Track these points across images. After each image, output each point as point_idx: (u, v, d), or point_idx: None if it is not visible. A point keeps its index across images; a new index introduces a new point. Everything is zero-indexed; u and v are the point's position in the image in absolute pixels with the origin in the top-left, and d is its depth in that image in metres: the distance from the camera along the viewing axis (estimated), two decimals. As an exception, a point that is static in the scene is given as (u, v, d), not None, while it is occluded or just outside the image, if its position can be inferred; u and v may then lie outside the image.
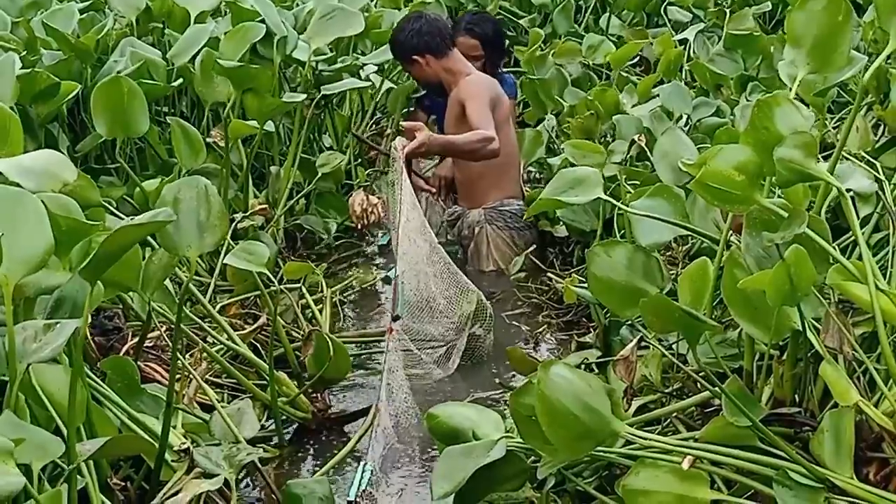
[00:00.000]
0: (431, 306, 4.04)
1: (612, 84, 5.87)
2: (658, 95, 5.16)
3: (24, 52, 4.51)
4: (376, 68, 5.73)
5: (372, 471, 3.20)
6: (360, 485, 3.11)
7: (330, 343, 3.54)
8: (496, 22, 5.91)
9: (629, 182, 4.01)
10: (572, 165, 4.28)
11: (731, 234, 2.85)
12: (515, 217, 5.05)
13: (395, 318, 3.73)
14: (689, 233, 3.13)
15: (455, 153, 4.93)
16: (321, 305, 4.32)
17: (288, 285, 4.22)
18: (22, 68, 4.16)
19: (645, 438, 2.48)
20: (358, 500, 3.06)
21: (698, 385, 2.82)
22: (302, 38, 5.02)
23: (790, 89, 2.76)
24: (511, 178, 5.17)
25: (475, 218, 5.08)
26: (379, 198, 5.24)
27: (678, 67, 5.99)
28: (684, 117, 4.90)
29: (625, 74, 6.27)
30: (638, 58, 7.07)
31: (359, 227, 5.17)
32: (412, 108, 5.97)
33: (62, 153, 4.16)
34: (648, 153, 4.25)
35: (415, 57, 5.06)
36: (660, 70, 5.96)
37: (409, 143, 4.88)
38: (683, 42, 6.37)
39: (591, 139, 5.00)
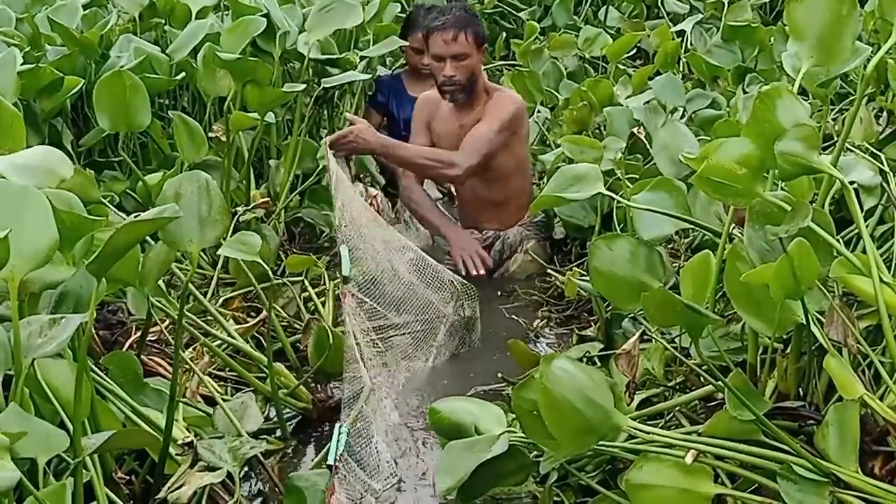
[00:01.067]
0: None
1: (608, 77, 5.86)
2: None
3: (29, 48, 4.51)
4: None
5: (348, 432, 3.20)
6: (337, 448, 3.12)
7: (329, 334, 3.54)
8: None
9: (626, 176, 4.01)
10: (568, 160, 4.30)
11: (734, 227, 2.85)
12: (545, 226, 4.99)
13: (346, 281, 3.77)
14: (691, 226, 3.12)
15: (401, 162, 4.78)
16: (324, 298, 4.33)
17: (290, 278, 4.23)
18: (26, 63, 4.17)
19: (648, 432, 2.48)
20: (337, 463, 3.06)
21: (701, 379, 2.82)
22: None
23: (794, 81, 2.77)
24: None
25: (516, 236, 4.91)
26: (378, 189, 5.25)
27: (675, 59, 5.99)
28: (680, 110, 4.89)
29: (622, 67, 6.27)
30: (637, 50, 7.08)
31: (359, 219, 5.18)
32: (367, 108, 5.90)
33: (66, 147, 4.21)
34: (648, 145, 4.26)
35: (485, 45, 4.85)
36: (657, 62, 5.97)
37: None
38: (681, 34, 6.37)
39: (585, 131, 5.01)
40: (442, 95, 4.71)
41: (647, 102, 4.93)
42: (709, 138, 3.77)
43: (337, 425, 3.18)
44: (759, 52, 5.97)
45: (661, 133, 3.70)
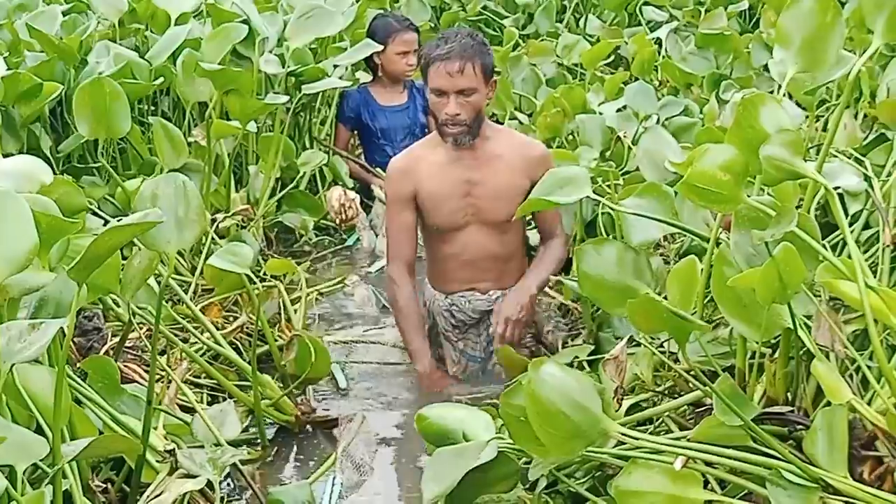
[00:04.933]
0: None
1: (585, 84, 5.85)
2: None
3: (8, 54, 4.49)
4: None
5: (342, 483, 3.24)
6: (330, 499, 3.16)
7: (310, 344, 3.52)
8: None
9: (607, 183, 4.00)
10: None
11: (721, 232, 2.84)
12: None
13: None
14: (680, 231, 3.11)
15: (546, 283, 4.07)
16: (297, 305, 4.33)
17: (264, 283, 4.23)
18: (6, 70, 4.14)
19: (636, 438, 2.46)
20: None
21: (690, 384, 2.80)
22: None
23: (779, 87, 2.77)
24: None
25: None
26: (357, 192, 5.24)
27: (652, 66, 5.99)
28: (654, 117, 4.88)
29: (599, 74, 6.26)
30: (617, 58, 7.09)
31: (337, 222, 5.17)
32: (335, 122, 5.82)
33: (45, 153, 4.18)
34: (632, 149, 4.25)
35: (495, 79, 4.00)
36: (633, 69, 5.98)
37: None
38: (660, 41, 6.38)
39: (557, 137, 5.00)
40: (443, 138, 3.92)
41: (620, 110, 4.92)
42: (682, 145, 3.78)
43: (330, 477, 3.20)
44: (734, 60, 5.99)
45: (644, 139, 3.69)
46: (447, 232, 4.00)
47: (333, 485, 3.21)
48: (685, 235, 3.70)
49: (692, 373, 2.60)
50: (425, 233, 4.09)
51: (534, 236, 4.73)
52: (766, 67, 5.46)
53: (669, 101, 5.07)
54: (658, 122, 4.81)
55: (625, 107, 4.93)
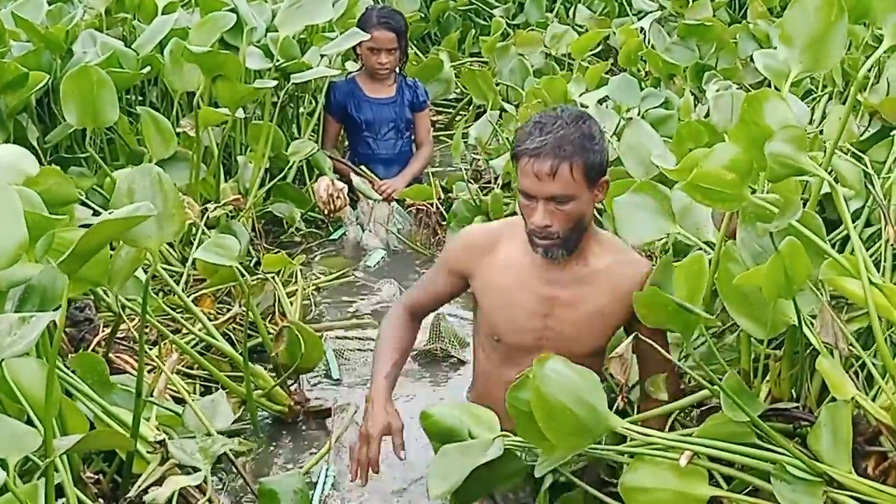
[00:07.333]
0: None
1: (573, 74, 5.83)
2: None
3: (-7, 44, 4.44)
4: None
5: (334, 473, 3.23)
6: (322, 490, 3.15)
7: (300, 334, 3.49)
8: (404, 16, 5.79)
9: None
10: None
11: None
12: None
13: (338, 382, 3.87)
14: (681, 235, 3.06)
15: None
16: (293, 298, 4.29)
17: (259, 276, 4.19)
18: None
19: (641, 434, 2.46)
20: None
21: (693, 384, 2.79)
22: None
23: (776, 87, 2.76)
24: None
25: None
26: (344, 182, 5.20)
27: (638, 57, 5.98)
28: (635, 109, 4.86)
29: (584, 64, 6.24)
30: (606, 48, 7.07)
31: (326, 212, 5.13)
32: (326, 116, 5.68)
33: (32, 144, 4.14)
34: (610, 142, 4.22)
35: (605, 179, 2.95)
36: (621, 59, 5.97)
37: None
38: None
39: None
40: (532, 247, 2.97)
41: (601, 101, 4.89)
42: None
43: (323, 469, 3.22)
44: (718, 50, 5.98)
45: (627, 133, 3.65)
46: (509, 350, 3.11)
47: (326, 474, 3.20)
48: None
49: (698, 372, 2.59)
50: (479, 337, 3.23)
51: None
52: (752, 58, 5.46)
53: (650, 92, 5.07)
54: (639, 113, 4.79)
55: (606, 97, 4.90)
